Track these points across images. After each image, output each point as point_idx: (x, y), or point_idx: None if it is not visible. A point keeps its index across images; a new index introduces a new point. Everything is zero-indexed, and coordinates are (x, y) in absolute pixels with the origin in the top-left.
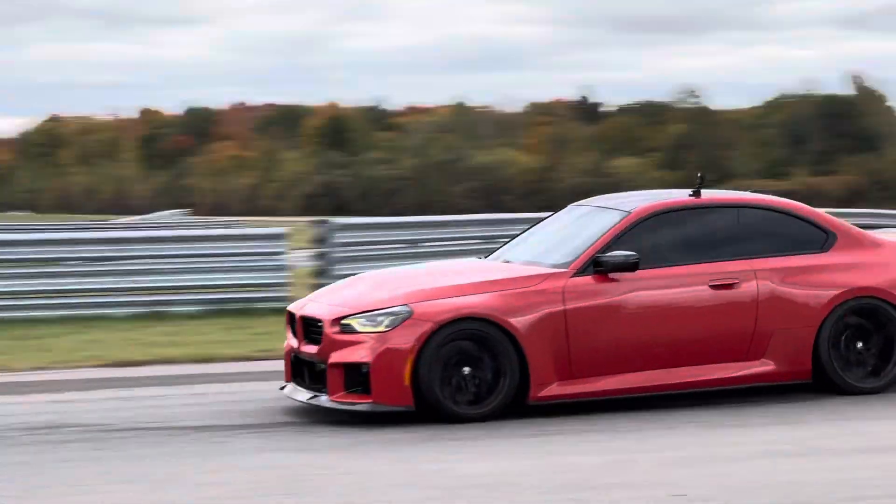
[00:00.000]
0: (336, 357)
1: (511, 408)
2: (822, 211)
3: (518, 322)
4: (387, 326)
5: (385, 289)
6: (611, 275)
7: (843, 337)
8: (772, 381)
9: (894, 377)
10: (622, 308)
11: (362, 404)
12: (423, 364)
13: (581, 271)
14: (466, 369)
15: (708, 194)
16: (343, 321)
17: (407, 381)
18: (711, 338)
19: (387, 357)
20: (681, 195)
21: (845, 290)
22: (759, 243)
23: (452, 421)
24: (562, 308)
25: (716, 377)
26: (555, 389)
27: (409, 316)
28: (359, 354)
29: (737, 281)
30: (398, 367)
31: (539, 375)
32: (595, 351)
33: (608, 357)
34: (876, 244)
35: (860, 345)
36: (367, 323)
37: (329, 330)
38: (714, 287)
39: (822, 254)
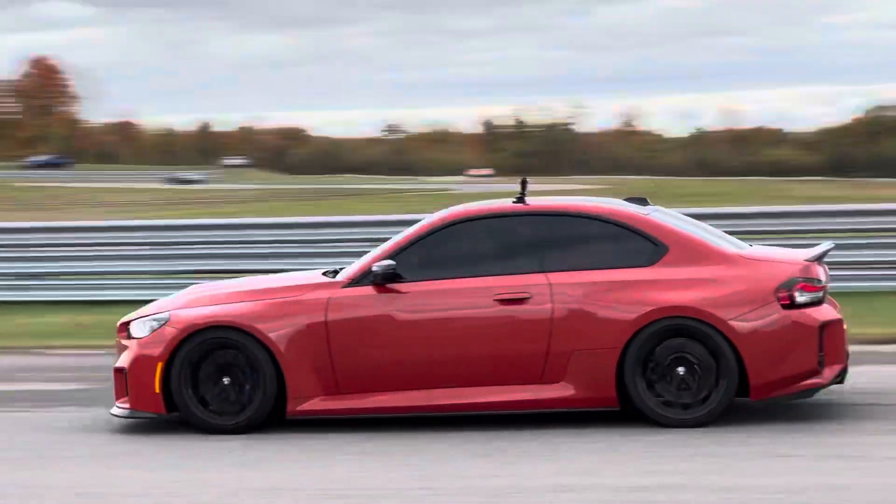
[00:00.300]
0: (116, 362)
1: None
2: (662, 220)
3: (273, 333)
4: (147, 332)
5: (186, 296)
6: (392, 286)
7: (654, 361)
8: (575, 406)
9: (712, 410)
10: (392, 322)
11: (123, 410)
12: (173, 371)
13: (356, 282)
14: (225, 379)
15: (535, 202)
16: (127, 325)
17: (157, 387)
18: (499, 357)
19: (140, 363)
20: (501, 203)
21: (656, 308)
22: (573, 255)
23: (205, 431)
24: (323, 320)
25: (506, 400)
26: (317, 404)
27: (165, 322)
28: (122, 360)
29: (528, 296)
30: (149, 373)
31: (297, 389)
32: (362, 366)
33: (379, 373)
34: (722, 258)
35: (678, 370)
36: (138, 328)
37: (119, 335)
38: (501, 302)
39: (645, 268)
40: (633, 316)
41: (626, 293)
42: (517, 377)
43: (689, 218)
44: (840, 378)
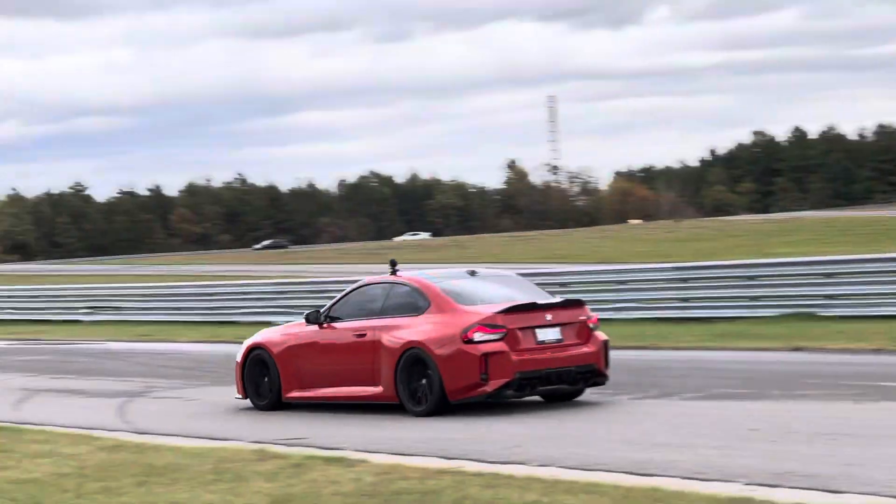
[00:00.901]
0: None
1: None
2: (439, 285)
3: (276, 349)
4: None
5: None
6: (327, 325)
7: (408, 374)
8: (385, 401)
9: (430, 406)
10: (318, 346)
11: None
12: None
13: (311, 322)
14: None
15: (401, 274)
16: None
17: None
18: (356, 370)
19: None
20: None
21: (408, 342)
22: (390, 308)
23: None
24: (295, 343)
25: (360, 394)
26: (294, 394)
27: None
28: None
29: (364, 333)
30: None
31: (287, 385)
32: (310, 372)
33: (316, 376)
34: (451, 309)
35: (420, 381)
36: None
37: None
38: (356, 336)
39: (415, 317)
40: (399, 346)
41: (400, 333)
42: (364, 381)
43: (505, 275)
44: (512, 389)
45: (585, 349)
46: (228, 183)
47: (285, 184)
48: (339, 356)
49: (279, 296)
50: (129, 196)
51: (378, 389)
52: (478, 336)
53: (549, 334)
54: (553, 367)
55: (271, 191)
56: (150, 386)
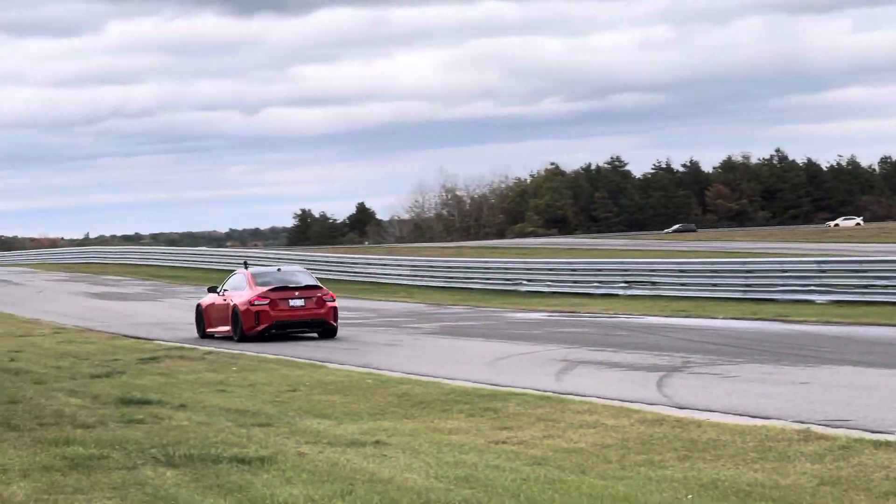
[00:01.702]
0: None
1: None
2: (249, 274)
3: (204, 304)
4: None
5: None
6: (220, 294)
7: (234, 319)
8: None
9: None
10: (218, 305)
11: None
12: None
13: (211, 291)
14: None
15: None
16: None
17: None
18: (227, 317)
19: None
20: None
21: (233, 304)
22: (234, 286)
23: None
24: (209, 303)
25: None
26: (212, 331)
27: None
28: None
29: (229, 300)
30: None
31: (209, 324)
32: (215, 318)
33: (217, 320)
34: (251, 288)
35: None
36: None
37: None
38: (224, 300)
39: (241, 292)
40: (232, 305)
41: (234, 299)
42: (227, 323)
43: (295, 269)
44: (272, 330)
45: (319, 311)
46: (766, 159)
47: (825, 161)
48: (221, 311)
49: (820, 274)
50: (665, 172)
51: (229, 327)
52: (256, 302)
53: (297, 303)
54: (295, 320)
55: (811, 168)
56: (688, 361)
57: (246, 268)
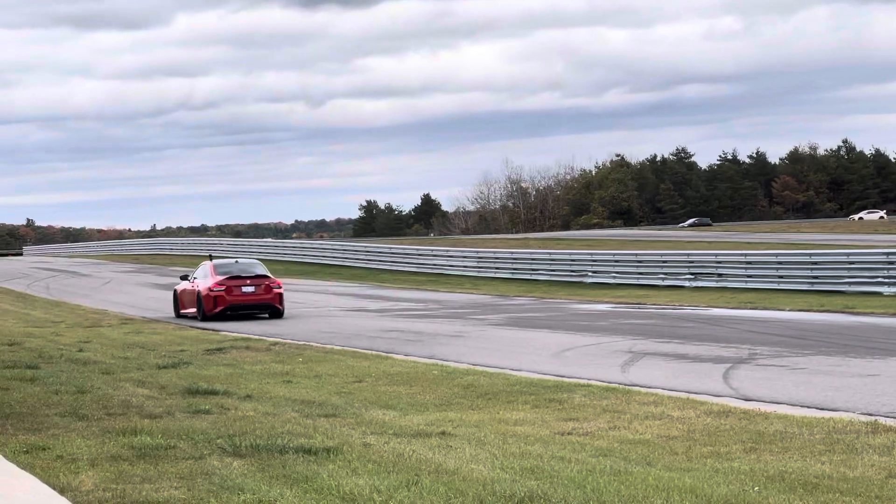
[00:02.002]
0: None
1: None
2: (212, 265)
3: (179, 290)
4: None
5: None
6: (189, 282)
7: (198, 303)
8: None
9: None
10: (188, 291)
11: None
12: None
13: (183, 279)
14: None
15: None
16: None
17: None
18: (194, 300)
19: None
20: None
21: (198, 290)
22: (203, 275)
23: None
24: (182, 289)
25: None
26: (185, 312)
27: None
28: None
29: (196, 288)
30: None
31: (183, 307)
32: (188, 301)
33: (189, 303)
34: (213, 277)
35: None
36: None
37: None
38: (192, 286)
39: (205, 280)
40: (197, 291)
41: (199, 286)
42: (194, 306)
43: (250, 261)
44: (228, 311)
45: (266, 296)
46: (833, 150)
47: (893, 152)
48: (190, 295)
49: (888, 265)
50: (731, 163)
51: (195, 309)
52: (214, 288)
53: (248, 289)
54: (247, 303)
55: (879, 159)
56: (754, 353)
57: (210, 260)
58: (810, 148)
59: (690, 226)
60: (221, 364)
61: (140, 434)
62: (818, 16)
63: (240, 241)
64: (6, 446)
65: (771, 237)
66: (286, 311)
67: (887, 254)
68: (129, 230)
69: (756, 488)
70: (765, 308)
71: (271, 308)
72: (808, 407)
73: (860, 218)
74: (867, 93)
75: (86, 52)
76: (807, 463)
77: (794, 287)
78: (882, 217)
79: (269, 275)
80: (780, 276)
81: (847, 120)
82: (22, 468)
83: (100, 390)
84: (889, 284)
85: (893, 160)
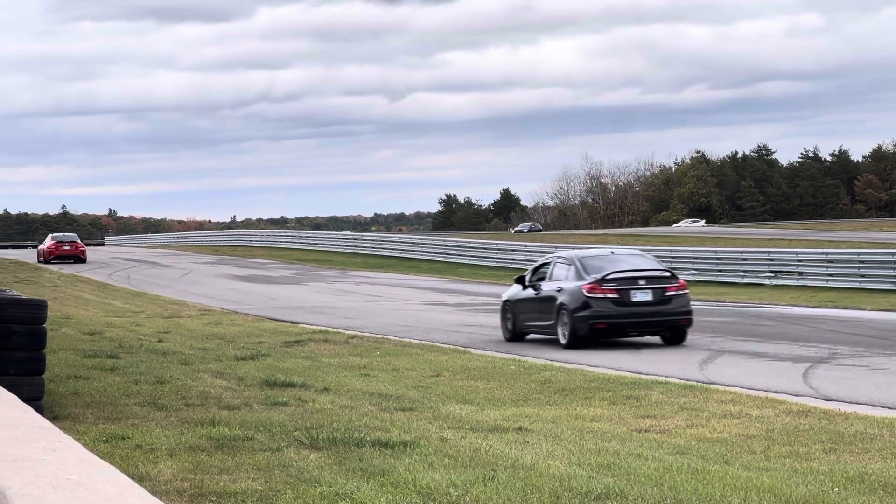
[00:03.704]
0: None
1: None
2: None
3: None
4: None
5: None
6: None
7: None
8: None
9: None
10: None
11: None
12: None
13: None
14: None
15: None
16: None
17: None
18: None
19: None
20: None
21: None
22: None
23: None
24: None
25: None
26: None
27: None
28: None
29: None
30: None
31: None
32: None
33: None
34: None
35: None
36: None
37: None
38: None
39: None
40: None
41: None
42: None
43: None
44: None
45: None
46: None
47: None
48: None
49: None
50: (812, 161)
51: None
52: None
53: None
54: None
55: None
56: (835, 353)
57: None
58: (894, 146)
59: (527, 231)
60: (299, 356)
61: (218, 425)
62: None
63: (318, 234)
64: (86, 435)
65: (853, 236)
66: (364, 303)
67: None
68: (209, 221)
69: (835, 489)
70: (846, 307)
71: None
72: (890, 408)
73: None
74: None
75: (169, 45)
76: (887, 465)
77: (877, 286)
78: None
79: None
80: (862, 275)
81: None
82: (101, 457)
83: (178, 381)
84: None
85: None
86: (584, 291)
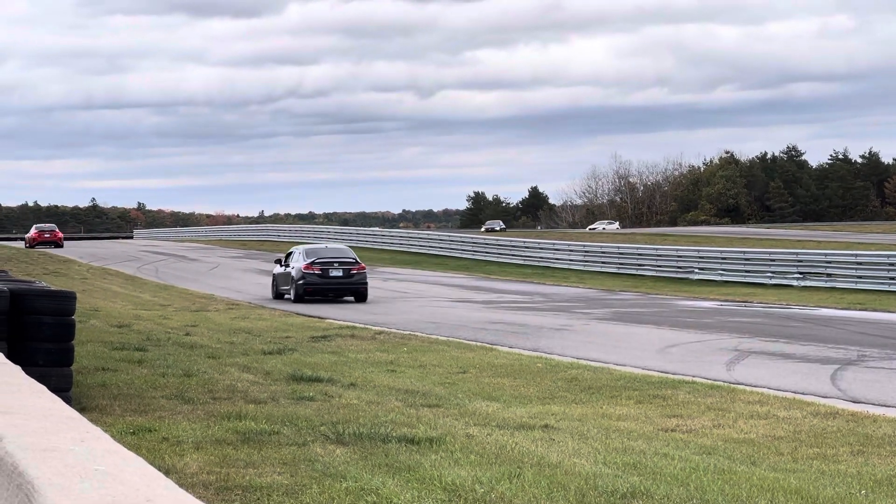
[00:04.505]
0: None
1: None
2: None
3: None
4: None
5: None
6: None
7: None
8: None
9: None
10: None
11: None
12: None
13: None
14: None
15: None
16: None
17: None
18: None
19: None
20: None
21: None
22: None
23: None
24: None
25: None
26: None
27: None
28: None
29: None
30: None
31: None
32: None
33: None
34: None
35: None
36: None
37: None
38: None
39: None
40: None
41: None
42: (289, 285)
43: None
44: None
45: (353, 280)
46: None
47: None
48: (285, 278)
49: None
50: (842, 162)
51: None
52: (306, 271)
53: (336, 273)
54: (335, 286)
55: None
56: (863, 355)
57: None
58: None
59: (499, 229)
60: (326, 352)
61: (244, 419)
62: None
63: (347, 229)
64: (113, 427)
65: (882, 238)
66: (391, 299)
67: None
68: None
69: (863, 492)
70: (875, 310)
71: (357, 291)
72: None
73: None
74: None
75: (199, 39)
76: None
77: None
78: None
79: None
80: (892, 278)
81: None
82: (129, 448)
83: (205, 374)
84: None
85: None
86: (302, 269)
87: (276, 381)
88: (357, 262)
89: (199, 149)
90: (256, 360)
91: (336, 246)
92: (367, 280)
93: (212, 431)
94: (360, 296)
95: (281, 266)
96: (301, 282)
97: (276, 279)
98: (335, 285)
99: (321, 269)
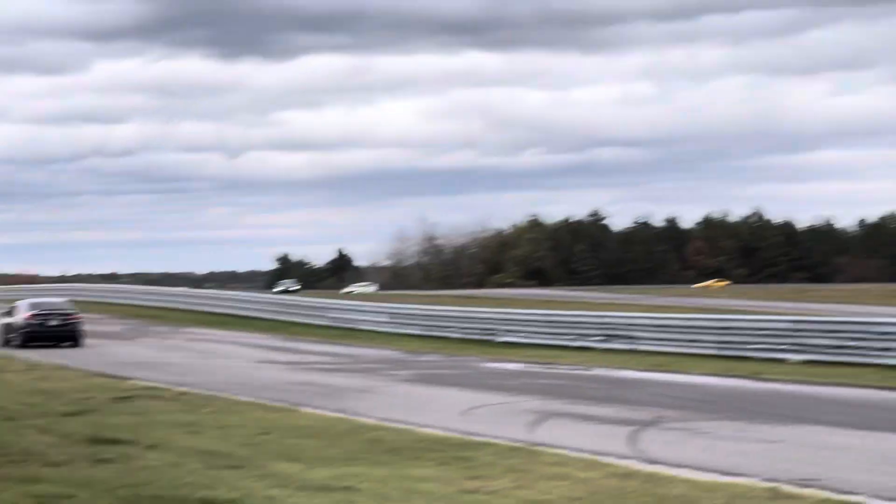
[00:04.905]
0: None
1: None
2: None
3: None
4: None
5: None
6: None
7: None
8: None
9: None
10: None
11: None
12: None
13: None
14: None
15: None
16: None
17: None
18: None
19: None
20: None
21: None
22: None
23: None
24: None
25: None
26: None
27: None
28: None
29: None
30: None
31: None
32: None
33: None
34: None
35: None
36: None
37: None
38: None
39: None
40: None
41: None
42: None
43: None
44: None
45: (69, 328)
46: (745, 217)
47: (802, 221)
48: (9, 327)
49: (795, 333)
50: (644, 226)
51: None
52: (28, 320)
53: (53, 323)
54: (53, 334)
55: (787, 227)
56: (662, 416)
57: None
58: (722, 214)
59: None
60: (128, 412)
61: (40, 482)
62: (731, 85)
63: (153, 290)
64: None
65: (681, 301)
66: (195, 359)
67: (794, 321)
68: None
69: None
70: (674, 371)
71: (72, 337)
72: (712, 471)
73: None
74: (778, 162)
75: (2, 96)
76: None
77: (705, 352)
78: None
79: (73, 311)
80: (692, 341)
81: (758, 188)
82: None
83: (1, 437)
84: (795, 352)
85: (801, 230)
86: (25, 319)
87: (75, 443)
88: (73, 313)
89: (1, 206)
90: (55, 421)
91: (55, 300)
92: (82, 328)
93: (5, 496)
94: (75, 341)
95: (10, 317)
96: (25, 329)
97: (4, 328)
98: (53, 332)
99: (41, 320)
